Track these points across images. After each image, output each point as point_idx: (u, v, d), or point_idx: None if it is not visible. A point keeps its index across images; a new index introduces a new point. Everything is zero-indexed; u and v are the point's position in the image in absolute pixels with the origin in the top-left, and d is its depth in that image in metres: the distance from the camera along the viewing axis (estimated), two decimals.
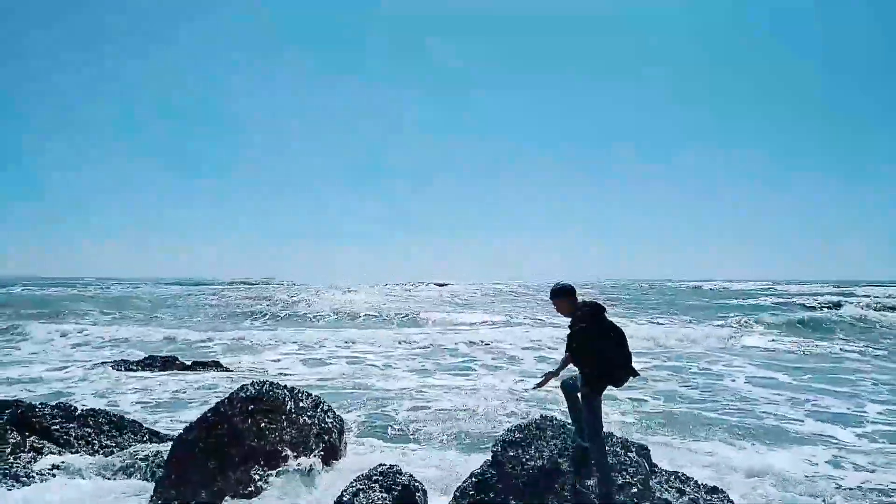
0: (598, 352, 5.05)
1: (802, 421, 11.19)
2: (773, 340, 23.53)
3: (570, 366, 5.47)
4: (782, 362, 18.23)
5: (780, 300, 47.95)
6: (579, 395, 5.27)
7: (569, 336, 5.30)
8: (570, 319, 5.29)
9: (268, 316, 35.33)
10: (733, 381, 15.18)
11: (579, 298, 5.31)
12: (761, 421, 11.09)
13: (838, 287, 65.61)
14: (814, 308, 39.84)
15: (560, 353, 5.92)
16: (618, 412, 11.39)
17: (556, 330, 23.29)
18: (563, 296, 5.28)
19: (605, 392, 5.17)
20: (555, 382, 5.62)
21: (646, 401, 12.67)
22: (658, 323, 31.22)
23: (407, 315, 34.43)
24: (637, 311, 39.15)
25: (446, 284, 78.49)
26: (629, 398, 12.54)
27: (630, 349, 5.12)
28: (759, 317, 31.30)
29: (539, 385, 5.52)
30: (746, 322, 29.94)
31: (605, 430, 5.34)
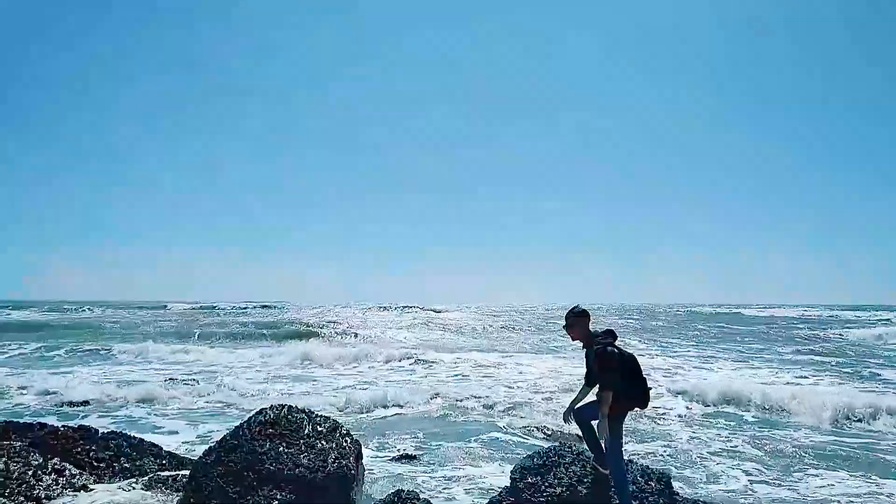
0: (620, 379, 5.10)
1: None
2: None
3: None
4: None
5: None
6: (598, 421, 5.24)
7: (589, 363, 5.32)
8: (581, 344, 5.35)
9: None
10: None
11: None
12: None
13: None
14: None
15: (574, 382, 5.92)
16: (636, 441, 11.25)
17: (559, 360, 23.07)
18: (579, 322, 5.31)
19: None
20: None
21: None
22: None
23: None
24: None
25: (441, 311, 65.44)
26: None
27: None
28: None
29: (565, 419, 5.52)
30: None
31: (625, 457, 5.32)
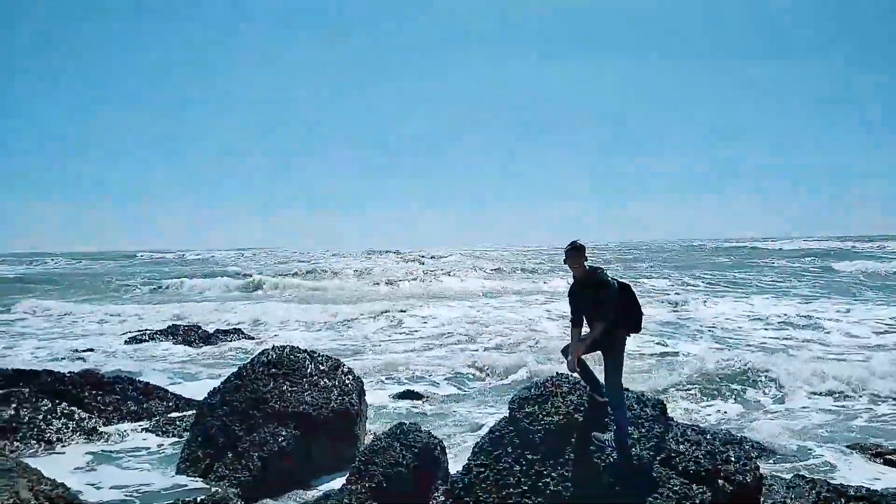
0: (624, 306, 5.29)
1: None
2: None
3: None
4: None
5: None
6: (604, 350, 5.29)
7: (581, 297, 5.36)
8: (573, 280, 5.42)
9: None
10: None
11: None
12: None
13: None
14: None
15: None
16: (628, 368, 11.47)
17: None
18: (580, 253, 5.33)
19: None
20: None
21: None
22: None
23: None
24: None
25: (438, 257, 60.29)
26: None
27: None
28: None
29: (571, 369, 5.51)
30: None
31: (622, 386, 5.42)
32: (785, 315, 18.54)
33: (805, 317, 18.12)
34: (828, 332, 15.73)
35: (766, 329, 16.59)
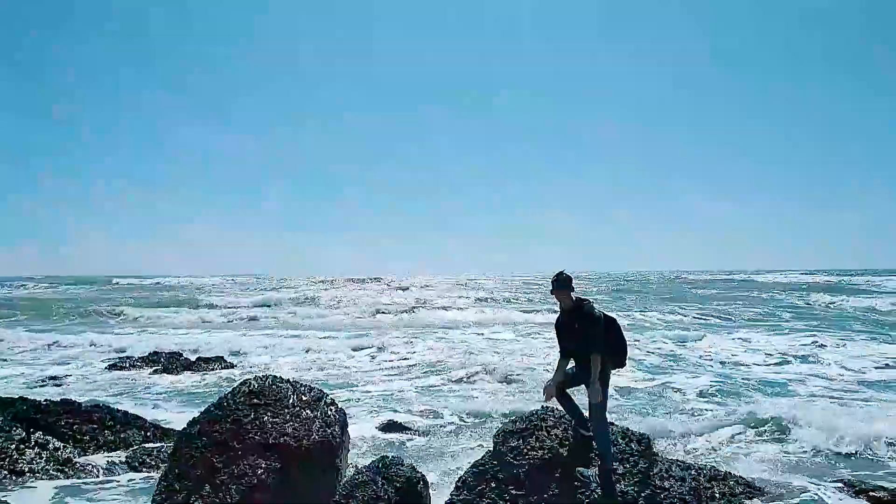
0: (610, 341, 5.30)
1: None
2: None
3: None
4: None
5: None
6: (590, 384, 5.25)
7: (568, 329, 5.35)
8: (559, 311, 5.42)
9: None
10: None
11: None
12: None
13: None
14: None
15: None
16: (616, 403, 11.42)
17: None
18: (568, 287, 5.34)
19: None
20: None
21: None
22: None
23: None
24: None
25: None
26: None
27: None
28: None
29: (549, 396, 5.51)
30: None
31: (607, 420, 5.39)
32: (782, 349, 18.60)
33: (803, 351, 18.16)
34: (827, 365, 15.74)
35: (764, 363, 16.54)
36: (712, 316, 30.69)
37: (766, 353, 17.85)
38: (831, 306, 34.78)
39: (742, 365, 16.12)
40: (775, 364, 16.27)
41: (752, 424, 10.19)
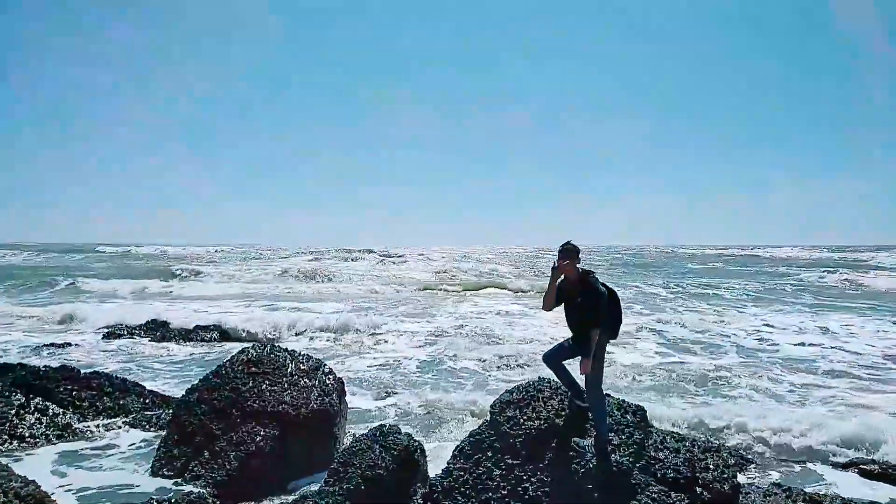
0: (610, 312, 5.27)
1: None
2: None
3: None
4: None
5: None
6: (585, 353, 5.24)
7: (573, 302, 5.33)
8: (565, 279, 5.36)
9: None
10: None
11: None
12: None
13: None
14: None
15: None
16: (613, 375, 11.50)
17: None
18: (574, 255, 5.28)
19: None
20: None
21: None
22: None
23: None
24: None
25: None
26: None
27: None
28: None
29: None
30: None
31: (603, 392, 5.42)
32: (796, 325, 18.48)
33: (822, 329, 17.96)
34: (847, 343, 15.56)
35: (779, 339, 16.31)
36: (721, 291, 30.46)
37: (780, 330, 17.66)
38: (847, 284, 34.44)
39: (767, 342, 15.77)
40: (796, 343, 15.78)
41: (750, 395, 10.32)
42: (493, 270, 42.59)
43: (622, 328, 5.61)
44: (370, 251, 69.41)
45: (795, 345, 15.38)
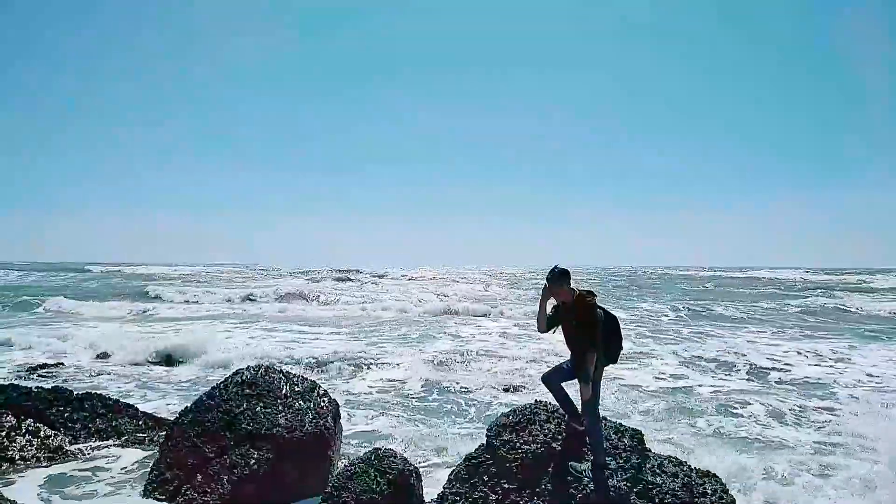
0: (606, 336, 5.28)
1: None
2: None
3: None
4: None
5: None
6: (583, 378, 5.23)
7: (568, 325, 5.34)
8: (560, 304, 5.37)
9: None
10: None
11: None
12: None
13: None
14: None
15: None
16: (612, 397, 11.43)
17: None
18: (566, 281, 5.30)
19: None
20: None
21: None
22: None
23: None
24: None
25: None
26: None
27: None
28: None
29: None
30: None
31: (600, 415, 5.40)
32: (802, 349, 18.28)
33: (833, 352, 17.72)
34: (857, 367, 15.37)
35: (777, 359, 16.33)
36: (718, 312, 30.44)
37: (787, 352, 17.51)
38: (844, 307, 34.21)
39: (778, 367, 15.57)
40: (813, 364, 15.73)
41: (748, 420, 10.26)
42: (491, 293, 42.47)
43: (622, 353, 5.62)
44: (358, 272, 69.35)
45: (810, 365, 15.38)
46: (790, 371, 14.86)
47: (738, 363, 15.58)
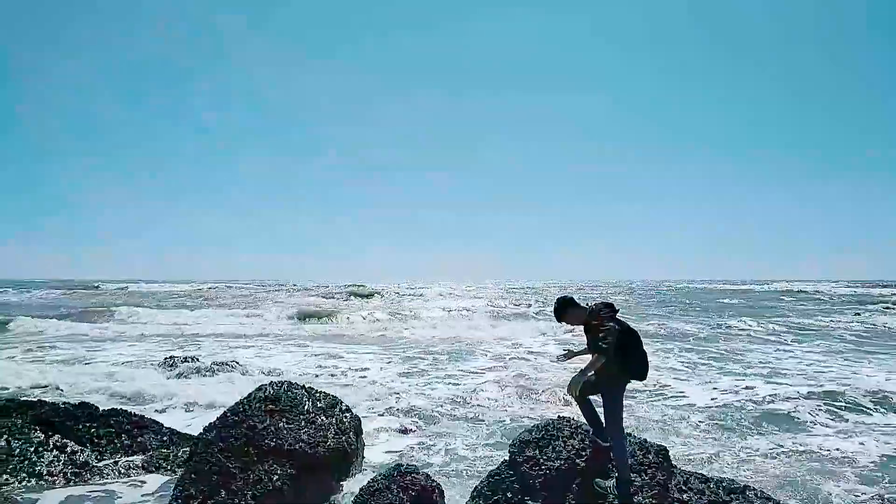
0: (627, 350, 5.20)
1: None
2: None
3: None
4: None
5: None
6: (604, 392, 5.24)
7: (594, 336, 5.31)
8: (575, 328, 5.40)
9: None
10: None
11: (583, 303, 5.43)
12: None
13: None
14: None
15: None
16: (636, 414, 11.29)
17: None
18: (570, 308, 5.32)
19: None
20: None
21: None
22: None
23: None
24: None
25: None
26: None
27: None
28: None
29: (563, 358, 5.59)
30: None
31: (624, 431, 5.34)
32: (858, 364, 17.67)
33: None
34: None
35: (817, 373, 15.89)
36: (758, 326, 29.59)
37: (828, 366, 16.98)
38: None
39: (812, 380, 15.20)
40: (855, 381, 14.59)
41: (780, 431, 10.06)
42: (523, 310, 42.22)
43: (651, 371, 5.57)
44: (374, 291, 69.35)
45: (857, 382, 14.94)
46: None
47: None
